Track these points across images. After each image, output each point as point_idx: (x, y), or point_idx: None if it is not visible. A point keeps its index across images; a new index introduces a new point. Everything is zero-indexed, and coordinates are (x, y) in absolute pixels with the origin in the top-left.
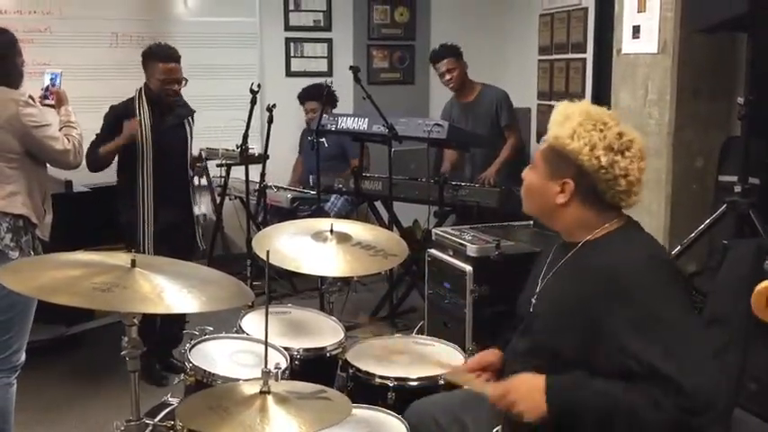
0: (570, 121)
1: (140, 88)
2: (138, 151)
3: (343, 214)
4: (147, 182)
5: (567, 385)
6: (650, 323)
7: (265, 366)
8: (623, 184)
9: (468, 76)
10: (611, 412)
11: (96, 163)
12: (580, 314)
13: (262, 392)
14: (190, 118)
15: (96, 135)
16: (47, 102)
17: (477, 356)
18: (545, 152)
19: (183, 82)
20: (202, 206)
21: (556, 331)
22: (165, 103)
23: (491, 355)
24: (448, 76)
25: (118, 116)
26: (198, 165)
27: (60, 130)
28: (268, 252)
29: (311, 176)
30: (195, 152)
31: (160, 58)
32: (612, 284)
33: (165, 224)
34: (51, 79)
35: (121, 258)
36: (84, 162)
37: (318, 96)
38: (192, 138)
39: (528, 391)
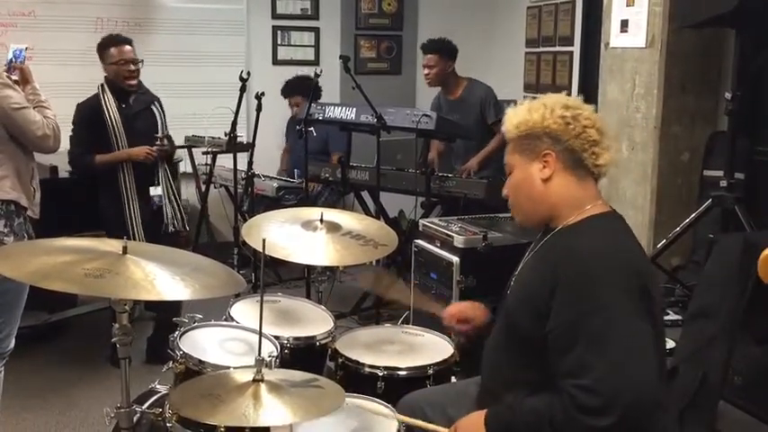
0: (519, 108)
1: (102, 83)
2: (112, 143)
3: (329, 204)
4: (128, 171)
5: (503, 412)
6: (581, 315)
7: (259, 354)
8: (593, 133)
9: (453, 73)
10: (540, 427)
11: (89, 170)
12: (535, 293)
13: (255, 380)
14: (157, 103)
15: (71, 138)
16: (11, 77)
17: (457, 306)
18: (515, 147)
19: (140, 63)
20: (159, 188)
21: (518, 309)
22: (124, 86)
23: (471, 308)
24: (426, 71)
25: (86, 112)
26: (158, 144)
27: (33, 110)
28: (264, 240)
29: (296, 170)
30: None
31: (111, 43)
32: (565, 267)
33: (148, 208)
34: (15, 54)
35: (113, 245)
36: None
37: (303, 91)
38: (163, 124)
39: (471, 424)
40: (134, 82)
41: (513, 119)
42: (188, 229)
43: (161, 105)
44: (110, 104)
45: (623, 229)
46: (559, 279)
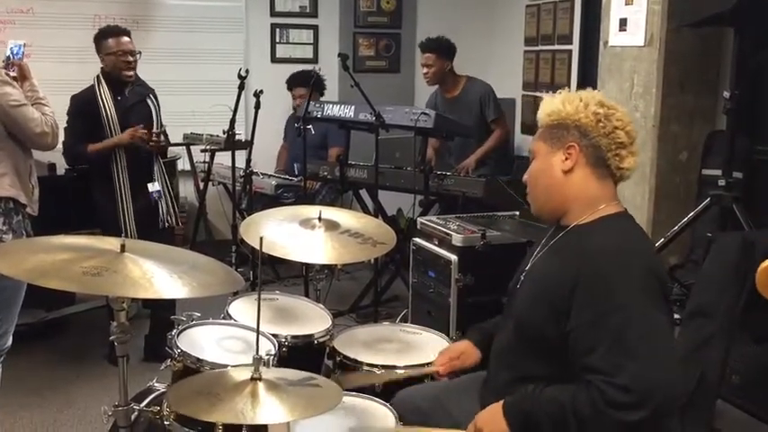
0: (556, 98)
1: (97, 74)
2: (106, 135)
3: (327, 202)
4: (121, 163)
5: (521, 401)
6: (603, 314)
7: (257, 353)
8: (622, 135)
9: (451, 71)
10: (564, 418)
11: (81, 160)
12: (552, 291)
13: (253, 379)
14: (152, 96)
15: (66, 129)
16: (9, 73)
17: (445, 350)
18: (542, 134)
19: (138, 55)
20: (156, 183)
21: (532, 307)
22: (121, 78)
23: (459, 354)
24: (425, 70)
25: (81, 104)
26: (154, 140)
27: (32, 107)
28: (261, 239)
29: (296, 164)
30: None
31: (109, 34)
32: (583, 267)
33: (141, 203)
34: (13, 51)
35: (110, 243)
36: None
37: (307, 83)
38: (158, 116)
39: (490, 416)
40: (131, 73)
41: (547, 107)
42: (180, 224)
43: (156, 98)
44: (105, 96)
45: (635, 228)
46: (579, 279)
